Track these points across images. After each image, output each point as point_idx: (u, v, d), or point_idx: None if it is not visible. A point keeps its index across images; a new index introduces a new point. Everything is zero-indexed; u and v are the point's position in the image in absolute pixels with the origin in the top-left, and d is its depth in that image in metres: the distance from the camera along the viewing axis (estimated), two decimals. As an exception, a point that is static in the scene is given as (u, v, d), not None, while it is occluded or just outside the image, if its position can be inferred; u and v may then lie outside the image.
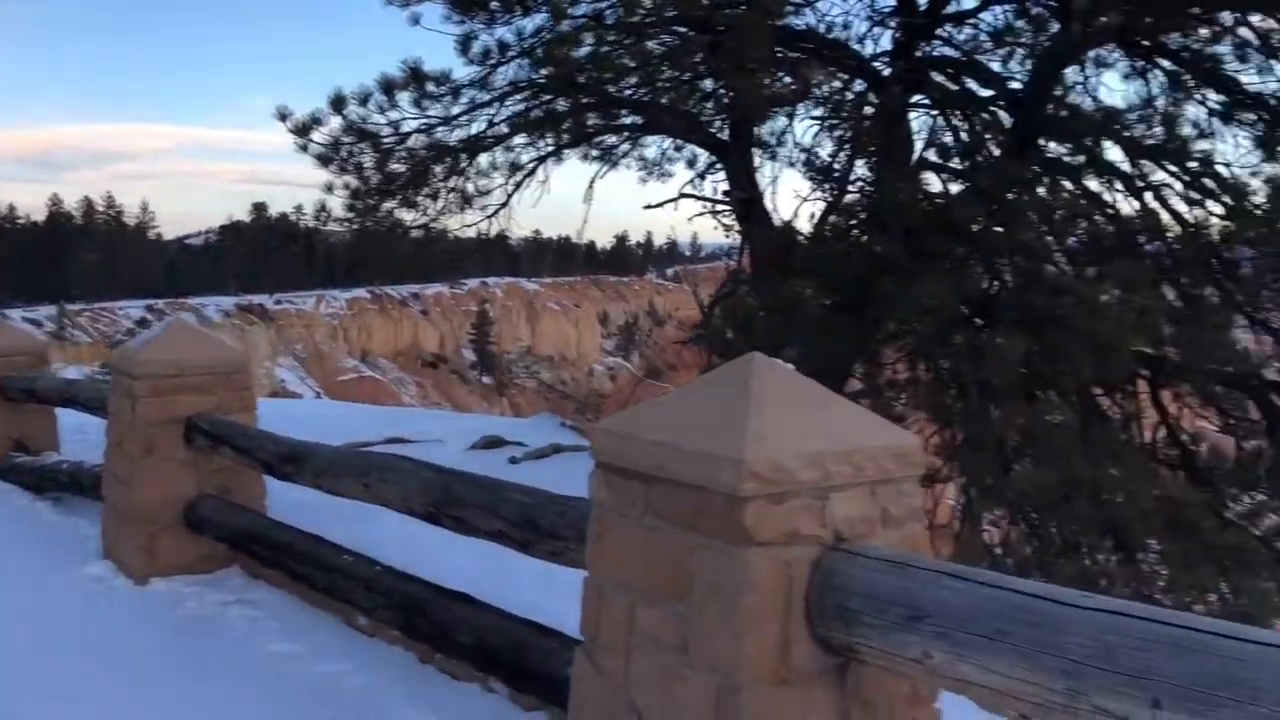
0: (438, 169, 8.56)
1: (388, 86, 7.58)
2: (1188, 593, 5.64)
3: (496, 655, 3.06)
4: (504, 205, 8.98)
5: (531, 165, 8.74)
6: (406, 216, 9.09)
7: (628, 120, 9.33)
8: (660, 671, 2.25)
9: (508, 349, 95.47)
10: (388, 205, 8.82)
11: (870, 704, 2.23)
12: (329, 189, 8.43)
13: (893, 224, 6.06)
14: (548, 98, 7.68)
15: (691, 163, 10.32)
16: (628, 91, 8.65)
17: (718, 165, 9.16)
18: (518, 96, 7.74)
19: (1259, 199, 6.42)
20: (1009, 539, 5.93)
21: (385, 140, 7.93)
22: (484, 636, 3.11)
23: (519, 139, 8.21)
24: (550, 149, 8.71)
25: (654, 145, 10.17)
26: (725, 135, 8.81)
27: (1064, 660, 1.73)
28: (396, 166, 8.07)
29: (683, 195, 8.76)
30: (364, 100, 7.77)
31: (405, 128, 8.12)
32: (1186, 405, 7.34)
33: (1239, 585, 6.05)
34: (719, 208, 9.19)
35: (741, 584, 2.08)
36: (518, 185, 8.78)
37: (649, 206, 8.87)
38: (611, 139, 9.78)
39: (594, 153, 9.75)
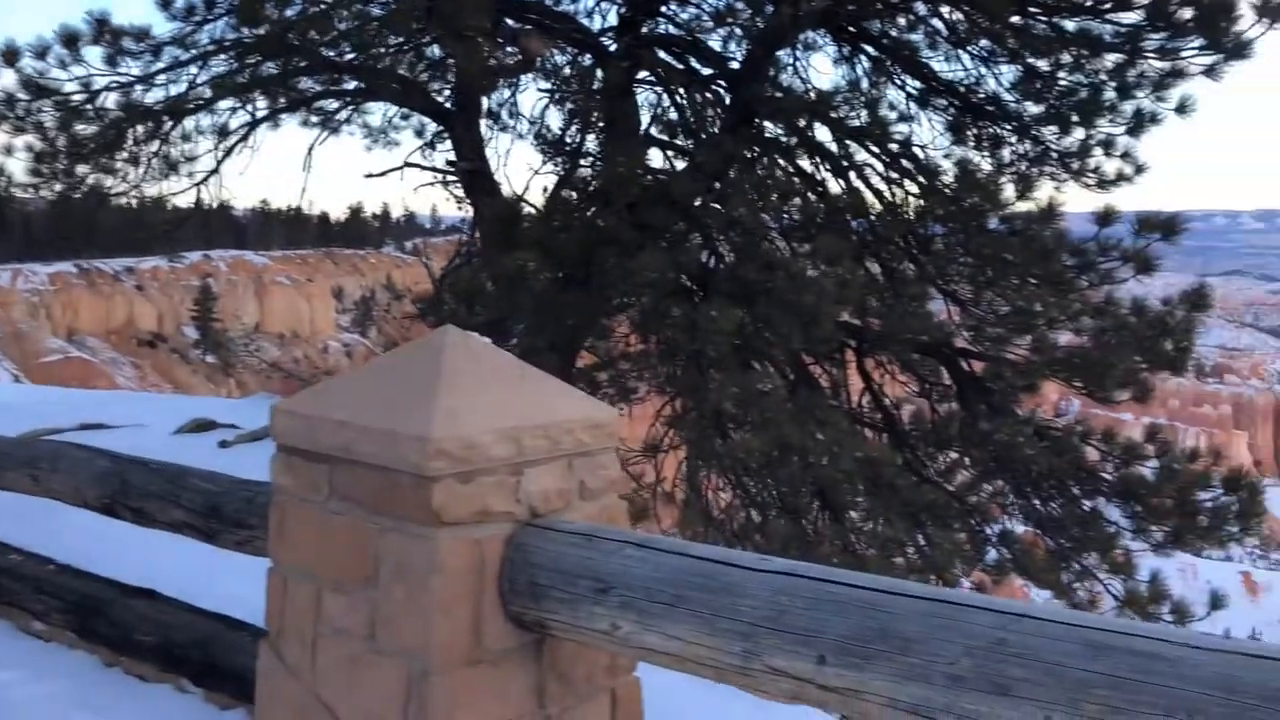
0: (137, 131, 7.89)
1: (69, 39, 6.90)
2: (887, 547, 6.05)
3: (182, 653, 2.85)
4: (214, 172, 8.41)
5: (243, 130, 8.22)
6: (106, 182, 8.36)
7: (350, 86, 8.96)
8: (349, 662, 2.14)
9: (234, 326, 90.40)
10: (82, 170, 8.06)
11: (567, 677, 2.21)
12: (7, 151, 7.62)
13: (616, 198, 6.12)
14: (255, 59, 7.23)
15: (419, 132, 10.05)
16: (349, 56, 8.30)
17: (445, 134, 8.97)
18: (223, 56, 7.25)
19: (949, 179, 6.94)
20: (729, 504, 6.17)
21: (71, 98, 7.23)
22: (168, 634, 2.89)
23: (227, 102, 7.69)
24: (264, 114, 8.23)
25: (378, 112, 9.85)
26: (452, 104, 8.63)
27: (739, 623, 1.77)
28: (85, 127, 7.37)
29: (407, 165, 8.50)
30: (41, 54, 7.04)
31: (97, 85, 7.43)
32: (888, 372, 7.87)
33: (932, 538, 6.54)
34: (447, 179, 8.99)
35: (430, 566, 2.01)
36: (228, 152, 8.24)
37: (370, 176, 8.56)
38: (333, 104, 9.37)
39: (313, 119, 9.32)
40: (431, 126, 9.48)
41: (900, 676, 1.60)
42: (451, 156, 8.71)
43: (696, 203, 6.42)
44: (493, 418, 2.10)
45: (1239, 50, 6.39)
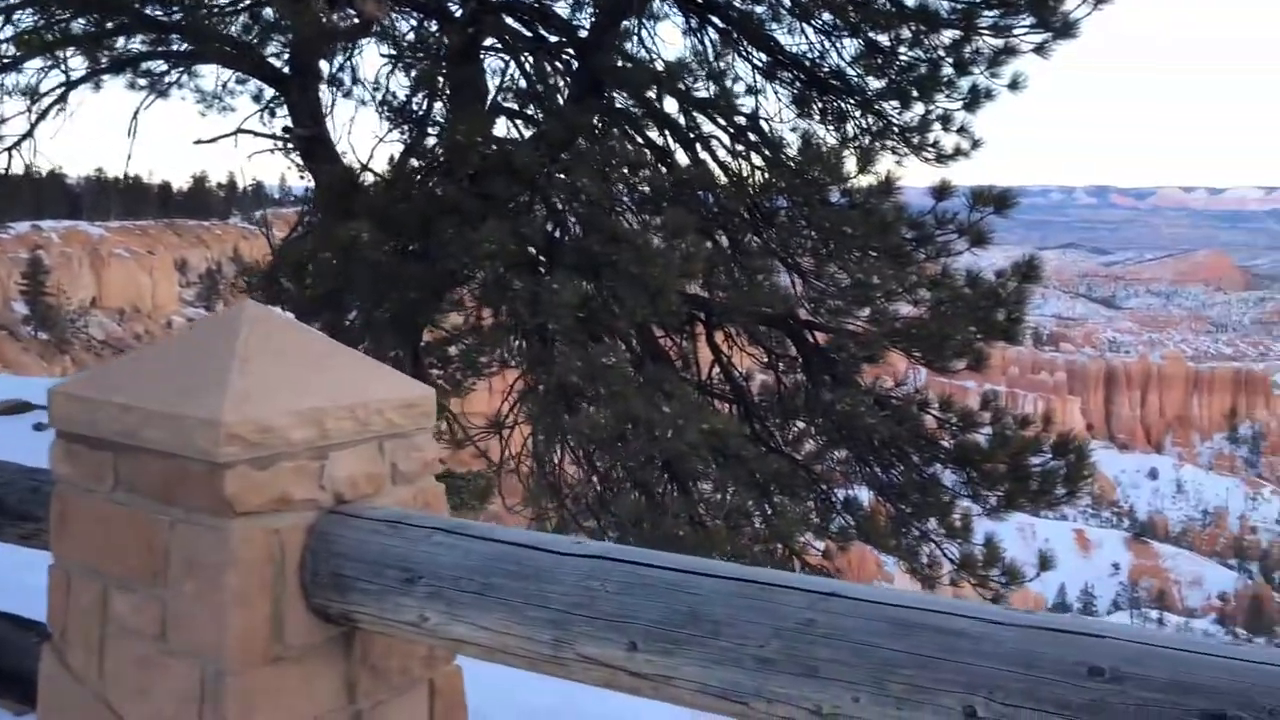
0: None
1: None
2: (734, 517, 6.10)
3: (-36, 658, 2.62)
4: (27, 136, 7.85)
5: (58, 91, 7.67)
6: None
7: (179, 47, 8.48)
8: (139, 664, 1.99)
9: (68, 301, 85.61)
10: None
11: (380, 670, 2.10)
12: None
13: (457, 167, 5.95)
14: (66, 14, 6.74)
15: (257, 96, 9.62)
16: (175, 14, 7.84)
17: (282, 100, 8.59)
18: (30, 10, 6.73)
19: (792, 152, 7.00)
20: (575, 480, 6.12)
21: None
22: (-51, 638, 2.64)
23: (37, 61, 7.15)
24: (81, 74, 7.70)
25: (211, 76, 9.37)
26: (288, 68, 8.25)
27: (549, 610, 1.70)
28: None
29: (240, 131, 8.09)
30: None
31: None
32: (736, 345, 7.93)
33: (777, 508, 6.62)
34: (287, 146, 8.62)
35: (223, 559, 1.87)
36: (42, 114, 7.68)
37: (200, 142, 8.12)
38: (160, 66, 8.86)
39: (140, 81, 8.79)
40: (269, 91, 9.08)
41: (710, 661, 1.56)
42: (290, 122, 8.36)
43: (540, 173, 6.29)
44: (293, 398, 1.97)
45: (1067, 29, 6.62)
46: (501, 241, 5.14)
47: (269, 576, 1.91)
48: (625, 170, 7.01)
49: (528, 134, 7.89)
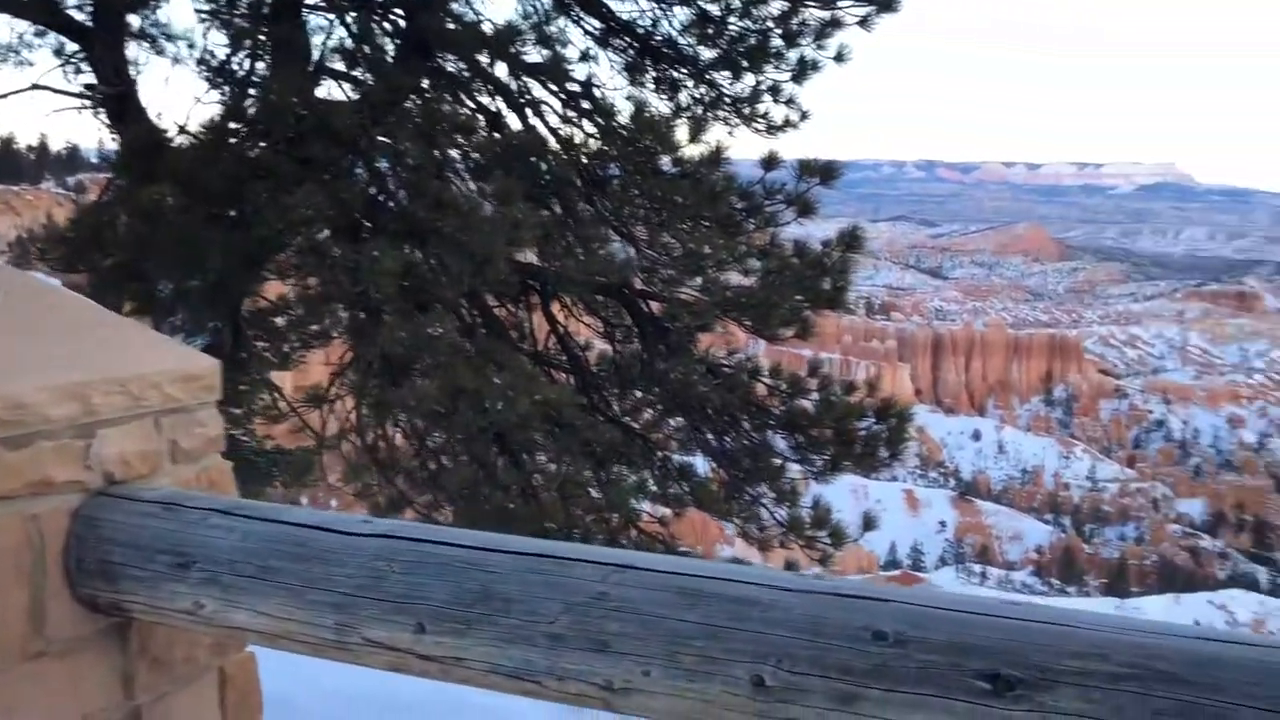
0: None
1: None
2: (567, 488, 6.06)
3: None
4: None
5: None
6: None
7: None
8: (-122, 667, 1.79)
9: None
10: None
11: (162, 661, 1.96)
12: None
13: (273, 129, 5.67)
14: None
15: (59, 50, 8.95)
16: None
17: (85, 55, 8.02)
18: None
19: (624, 119, 6.95)
20: (401, 453, 5.97)
21: None
22: None
23: None
24: None
25: (4, 26, 8.67)
26: (91, 21, 7.70)
27: (334, 594, 1.60)
28: None
29: (36, 87, 7.51)
30: None
31: None
32: (573, 315, 7.87)
33: (613, 477, 6.62)
34: (94, 104, 8.06)
35: (-28, 549, 1.70)
36: None
37: (-10, 98, 7.50)
38: (-56, 15, 8.13)
39: (-79, 30, 8.07)
40: (72, 45, 8.47)
41: (501, 640, 1.50)
42: (94, 79, 7.82)
43: (364, 137, 6.06)
44: (52, 372, 1.80)
45: (888, 3, 6.78)
46: (319, 207, 4.92)
47: (26, 566, 1.74)
48: (450, 134, 6.82)
49: (355, 96, 7.60)
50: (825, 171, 6.68)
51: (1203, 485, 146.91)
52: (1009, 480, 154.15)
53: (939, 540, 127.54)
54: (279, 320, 7.81)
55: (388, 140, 5.98)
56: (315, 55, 7.87)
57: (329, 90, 7.66)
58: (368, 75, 7.81)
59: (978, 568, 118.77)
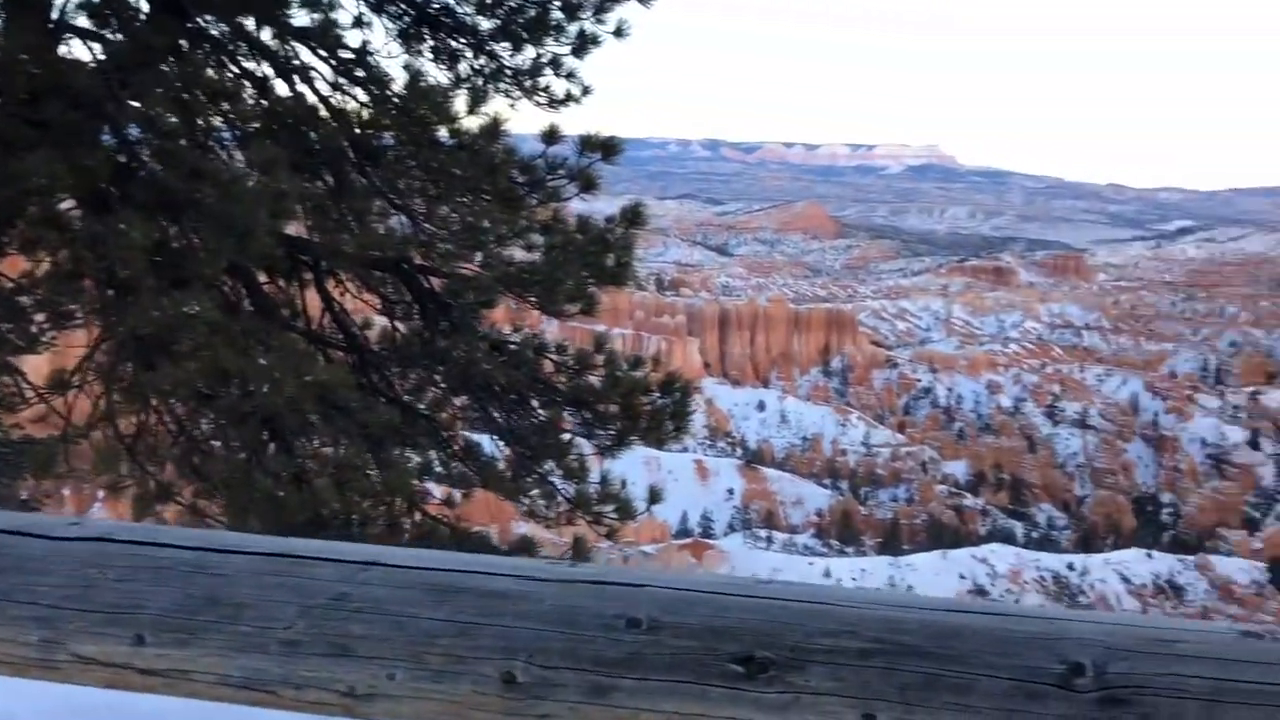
0: None
1: None
2: (343, 473, 5.82)
3: None
4: None
5: None
6: None
7: None
8: None
9: None
10: None
11: None
12: None
13: (5, 89, 5.13)
14: None
15: None
16: None
17: None
18: None
19: (399, 88, 6.69)
20: (157, 442, 5.57)
21: None
22: None
23: None
24: None
25: None
26: None
27: (39, 606, 1.43)
28: None
29: None
30: None
31: None
32: (349, 291, 7.56)
33: (392, 460, 6.41)
34: None
35: None
36: None
37: None
38: None
39: None
40: None
41: (231, 649, 1.37)
42: None
43: (111, 100, 5.59)
44: None
45: (666, -19, 6.79)
46: (56, 174, 4.49)
47: None
48: (214, 101, 6.40)
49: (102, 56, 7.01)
50: (607, 147, 6.66)
51: (965, 447, 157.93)
52: (791, 448, 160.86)
53: (728, 508, 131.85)
54: (24, 299, 7.15)
55: (137, 105, 5.53)
56: (55, 13, 7.24)
57: (74, 50, 7.06)
58: (119, 35, 7.24)
59: (764, 533, 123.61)
